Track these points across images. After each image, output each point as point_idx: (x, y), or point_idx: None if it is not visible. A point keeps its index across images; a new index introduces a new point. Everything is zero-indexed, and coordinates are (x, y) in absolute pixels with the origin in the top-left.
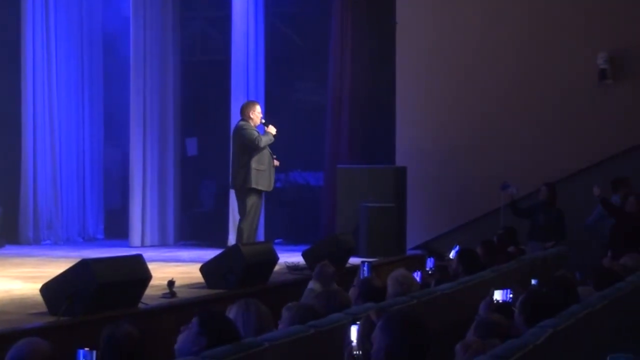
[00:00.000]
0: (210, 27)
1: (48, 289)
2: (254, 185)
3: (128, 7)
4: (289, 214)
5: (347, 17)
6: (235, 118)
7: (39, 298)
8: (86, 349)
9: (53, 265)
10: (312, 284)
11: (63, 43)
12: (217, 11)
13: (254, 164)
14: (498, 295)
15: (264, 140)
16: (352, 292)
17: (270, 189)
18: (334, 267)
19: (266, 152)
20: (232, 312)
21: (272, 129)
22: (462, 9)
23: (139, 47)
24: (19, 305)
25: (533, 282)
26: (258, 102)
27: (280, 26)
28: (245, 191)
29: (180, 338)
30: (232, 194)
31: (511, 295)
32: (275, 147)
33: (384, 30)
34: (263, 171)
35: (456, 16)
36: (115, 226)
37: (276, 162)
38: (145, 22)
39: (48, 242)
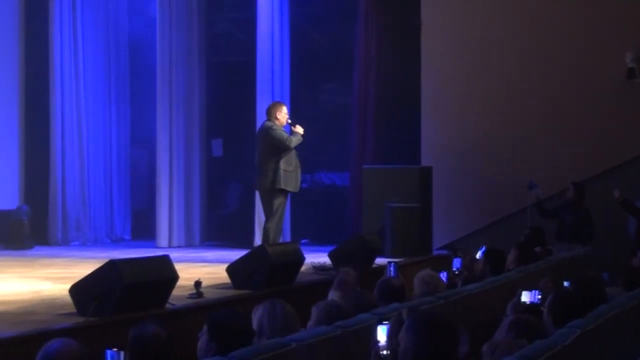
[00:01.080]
0: (236, 29)
1: (77, 290)
2: (282, 186)
3: (154, 8)
4: (315, 215)
5: (372, 18)
6: (260, 119)
7: (68, 299)
8: (114, 349)
9: (81, 266)
10: (332, 294)
11: (90, 45)
12: (242, 12)
13: (282, 165)
14: (526, 297)
15: (294, 141)
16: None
17: (297, 189)
18: (355, 273)
19: (293, 153)
20: (258, 313)
21: (299, 129)
22: (487, 8)
23: (165, 48)
24: (49, 306)
25: (565, 284)
26: (284, 103)
27: (305, 27)
28: (273, 192)
29: (199, 346)
30: (257, 194)
31: (539, 297)
32: (301, 147)
33: (409, 31)
34: (291, 172)
35: (481, 15)
36: (142, 227)
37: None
38: (171, 24)
39: (76, 243)
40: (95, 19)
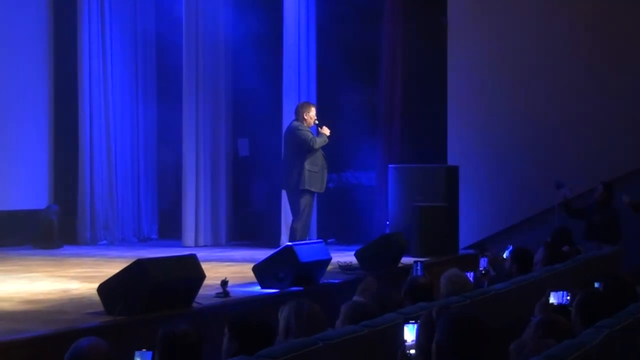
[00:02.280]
0: (262, 28)
1: (105, 289)
2: (307, 187)
3: (181, 8)
4: (342, 214)
5: (398, 18)
6: (287, 119)
7: (96, 298)
8: (143, 350)
9: (109, 265)
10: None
11: (118, 46)
12: (268, 12)
13: (307, 165)
14: (554, 298)
15: (319, 142)
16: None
17: (323, 190)
18: (376, 282)
19: (319, 154)
20: (284, 312)
21: (325, 130)
22: (513, 7)
23: (191, 48)
24: (77, 305)
25: (596, 285)
26: (314, 104)
27: (332, 26)
28: (298, 192)
29: (223, 347)
30: (284, 194)
31: (568, 298)
32: (328, 147)
33: (436, 29)
34: (316, 173)
35: (509, 14)
36: (169, 226)
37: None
38: (198, 24)
39: (104, 242)
40: (122, 20)
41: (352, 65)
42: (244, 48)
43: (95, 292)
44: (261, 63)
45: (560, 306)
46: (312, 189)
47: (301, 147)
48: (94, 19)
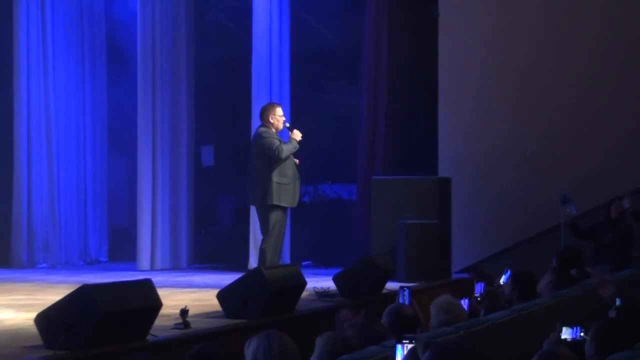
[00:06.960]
0: (229, 19)
1: (44, 319)
2: (275, 202)
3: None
4: (319, 233)
5: (383, 9)
6: (256, 123)
7: (34, 329)
8: None
9: (50, 292)
10: None
11: (61, 40)
12: (236, 1)
13: (275, 177)
14: (567, 333)
15: (286, 150)
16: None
17: (295, 204)
18: (351, 315)
19: (289, 163)
20: (252, 346)
21: (296, 135)
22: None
23: (147, 43)
24: (11, 338)
25: (617, 301)
26: (280, 104)
27: (308, 18)
28: (266, 207)
29: None
30: (253, 211)
31: (582, 334)
32: (303, 155)
33: (425, 23)
34: (286, 185)
35: (507, 7)
36: (121, 247)
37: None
38: (155, 15)
39: (44, 265)
40: (67, 11)
41: (330, 62)
42: (208, 42)
43: (32, 322)
44: (228, 59)
45: (573, 342)
46: (282, 204)
47: (267, 157)
48: (33, 11)
